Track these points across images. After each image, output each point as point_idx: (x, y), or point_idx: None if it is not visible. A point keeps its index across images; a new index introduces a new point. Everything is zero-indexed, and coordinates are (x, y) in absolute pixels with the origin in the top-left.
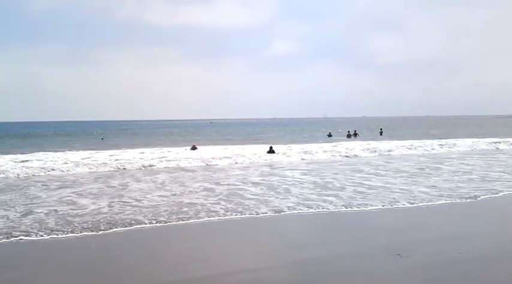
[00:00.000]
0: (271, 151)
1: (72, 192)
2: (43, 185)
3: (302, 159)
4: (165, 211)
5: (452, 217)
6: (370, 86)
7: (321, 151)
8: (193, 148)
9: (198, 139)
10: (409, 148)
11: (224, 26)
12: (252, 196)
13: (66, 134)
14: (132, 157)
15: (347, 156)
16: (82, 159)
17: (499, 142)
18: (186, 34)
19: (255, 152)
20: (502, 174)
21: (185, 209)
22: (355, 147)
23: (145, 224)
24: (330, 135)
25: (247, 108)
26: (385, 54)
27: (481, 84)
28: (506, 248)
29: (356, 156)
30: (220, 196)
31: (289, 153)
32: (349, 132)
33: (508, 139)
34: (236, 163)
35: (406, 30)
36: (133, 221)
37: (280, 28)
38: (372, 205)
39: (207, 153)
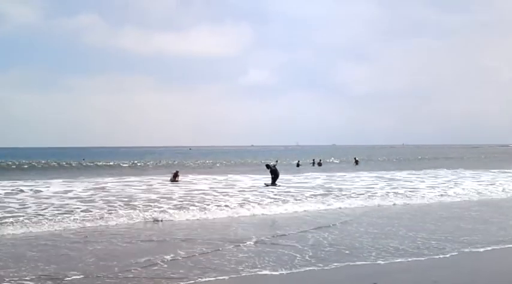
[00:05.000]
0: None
1: None
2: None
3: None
4: None
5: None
6: (340, 115)
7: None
8: (175, 175)
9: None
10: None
11: (198, 53)
12: None
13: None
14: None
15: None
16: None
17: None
18: (160, 61)
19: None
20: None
21: None
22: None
23: None
24: (298, 165)
25: (225, 136)
26: (356, 84)
27: (453, 113)
28: (481, 276)
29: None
30: None
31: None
32: (320, 161)
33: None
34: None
35: (376, 60)
36: None
37: (254, 57)
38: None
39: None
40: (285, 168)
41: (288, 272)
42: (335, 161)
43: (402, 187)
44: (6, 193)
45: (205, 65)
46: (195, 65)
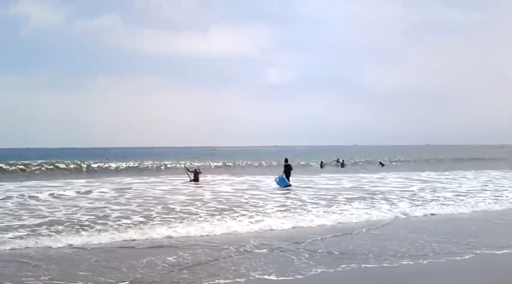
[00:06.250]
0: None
1: None
2: None
3: None
4: None
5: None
6: (362, 115)
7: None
8: (196, 174)
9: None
10: None
11: (219, 54)
12: None
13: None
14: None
15: None
16: None
17: None
18: (181, 62)
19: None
20: None
21: None
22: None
23: None
24: (322, 166)
25: (248, 136)
26: (378, 83)
27: (477, 112)
28: (490, 277)
29: None
30: None
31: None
32: (343, 161)
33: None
34: None
35: (399, 60)
36: None
37: (274, 57)
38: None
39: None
40: (308, 169)
41: None
42: (360, 161)
43: (446, 191)
44: (30, 196)
45: (226, 66)
46: (217, 65)
